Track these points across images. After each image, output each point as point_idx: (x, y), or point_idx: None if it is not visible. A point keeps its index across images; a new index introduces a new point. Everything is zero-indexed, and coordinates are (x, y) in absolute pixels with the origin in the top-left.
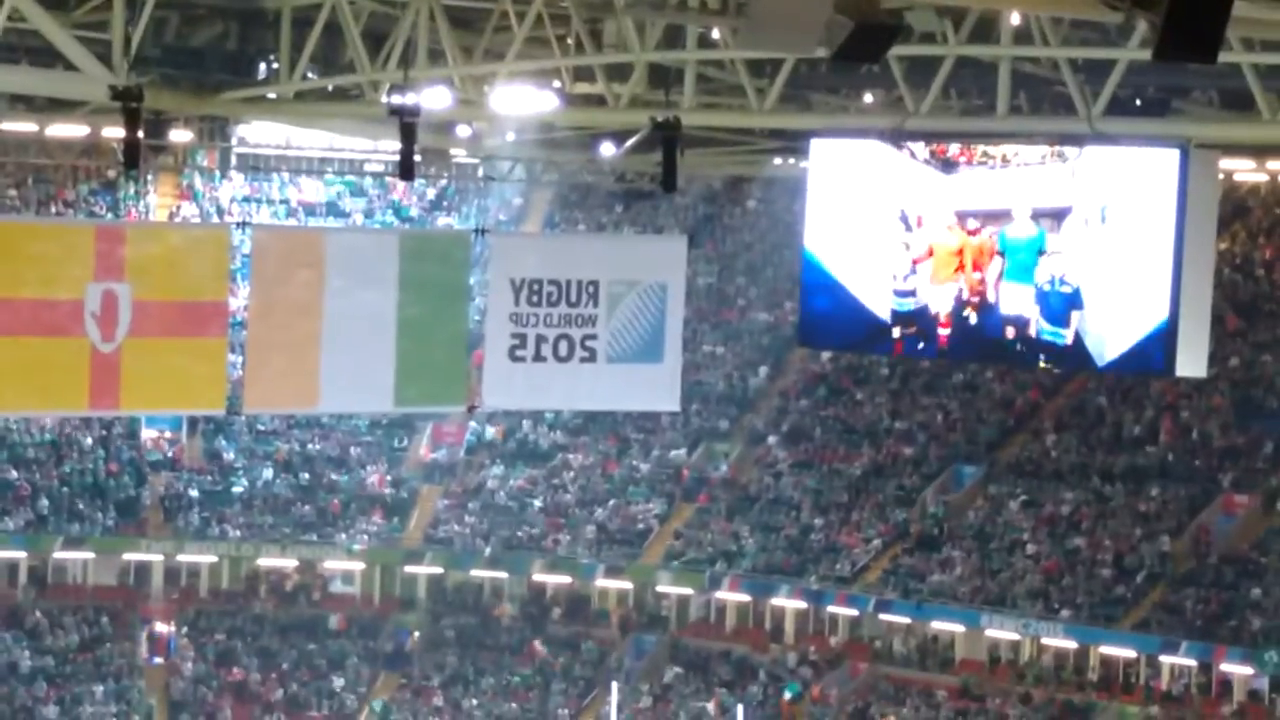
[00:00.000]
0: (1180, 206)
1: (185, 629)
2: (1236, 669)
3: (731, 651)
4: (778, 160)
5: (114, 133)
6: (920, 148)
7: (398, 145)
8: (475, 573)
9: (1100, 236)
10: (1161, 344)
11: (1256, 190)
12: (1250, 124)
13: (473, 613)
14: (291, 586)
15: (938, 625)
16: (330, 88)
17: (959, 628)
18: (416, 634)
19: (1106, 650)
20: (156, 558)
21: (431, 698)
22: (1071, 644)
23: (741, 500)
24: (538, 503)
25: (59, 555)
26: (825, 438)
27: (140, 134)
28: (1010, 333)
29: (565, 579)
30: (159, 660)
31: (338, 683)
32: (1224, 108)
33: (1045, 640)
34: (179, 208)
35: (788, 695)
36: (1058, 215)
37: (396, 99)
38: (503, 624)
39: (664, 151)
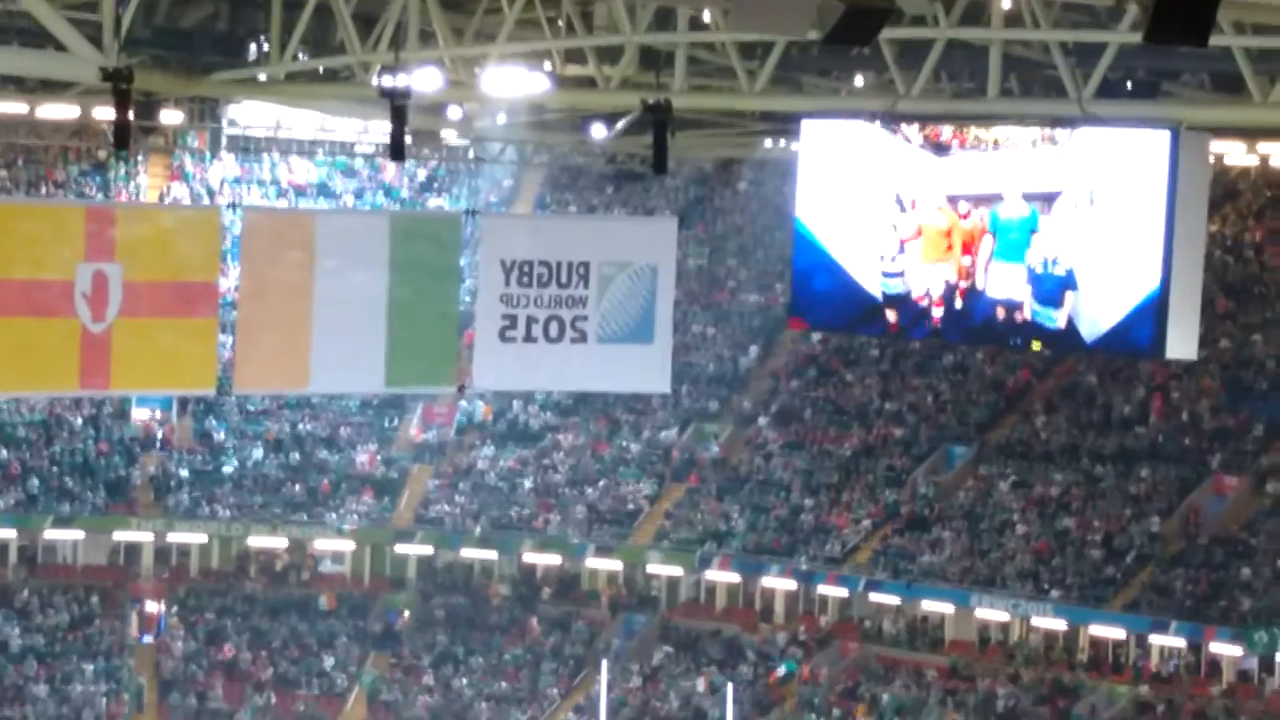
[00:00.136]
0: (1171, 189)
1: (175, 608)
2: (1226, 649)
3: (721, 631)
4: (768, 142)
5: (104, 114)
6: (914, 131)
7: (388, 127)
8: (465, 553)
9: (1091, 219)
10: (1147, 318)
11: (1247, 173)
12: (1241, 106)
13: (463, 592)
14: (281, 566)
15: (928, 605)
16: (321, 69)
17: (949, 608)
18: (407, 613)
19: (1096, 630)
20: (147, 537)
21: (421, 677)
22: (1061, 624)
23: (732, 481)
24: (528, 483)
25: (49, 535)
26: (815, 418)
27: (131, 115)
28: (1001, 314)
29: (555, 559)
30: (149, 639)
31: (328, 662)
32: (1215, 90)
33: (1035, 620)
34: (169, 189)
35: (782, 671)
36: (1048, 199)
37: (387, 80)
38: (493, 603)
39: (655, 133)
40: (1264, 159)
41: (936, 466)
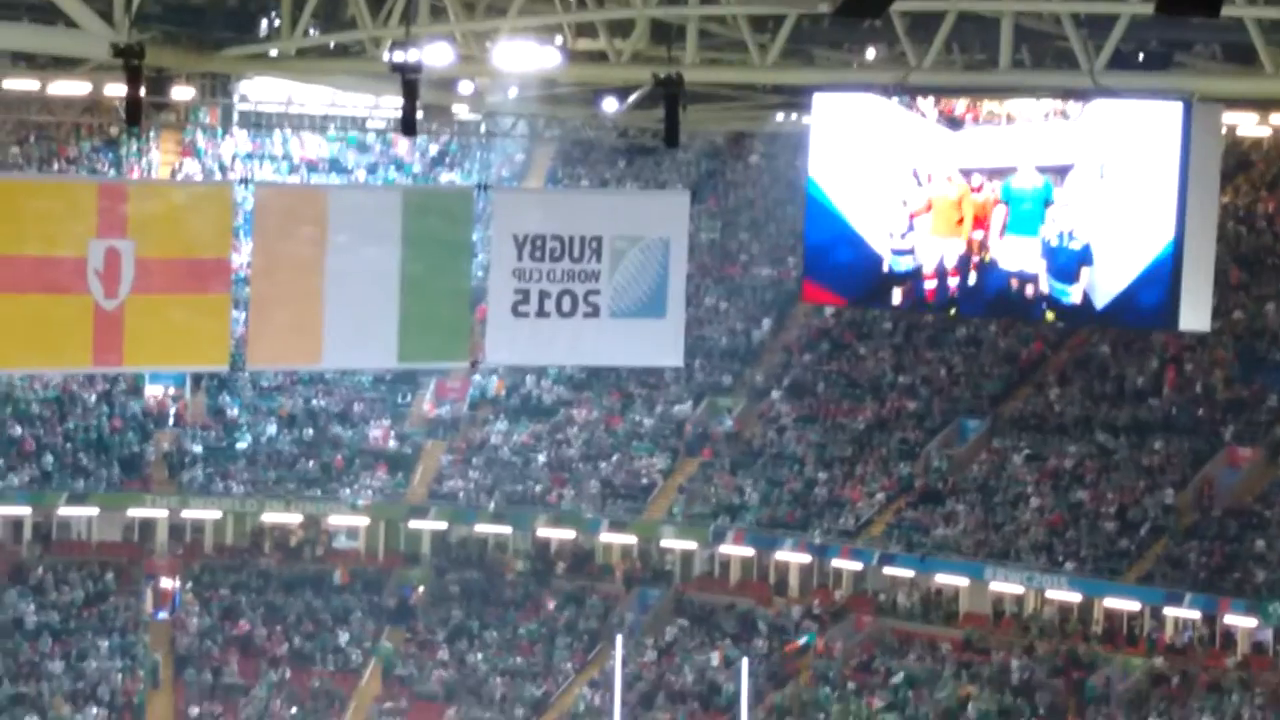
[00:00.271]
0: (1183, 160)
1: (190, 584)
2: (1240, 621)
3: (736, 605)
4: (780, 116)
5: (116, 90)
6: (929, 106)
7: (400, 101)
8: (479, 528)
9: (1104, 192)
10: (1157, 283)
11: (1260, 144)
12: (1253, 78)
13: (477, 568)
14: (296, 542)
15: (941, 578)
16: (332, 44)
17: (963, 581)
18: (421, 589)
19: (1110, 603)
20: (161, 513)
21: (436, 652)
22: (1075, 597)
23: (745, 455)
24: (541, 458)
25: (63, 511)
26: (829, 392)
27: (142, 91)
28: (1015, 285)
29: (569, 534)
30: (164, 615)
31: (342, 637)
32: (1227, 61)
33: (1049, 593)
34: (181, 165)
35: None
36: (1061, 171)
37: (398, 55)
38: (507, 578)
39: (666, 107)
40: (1276, 130)
41: (950, 439)
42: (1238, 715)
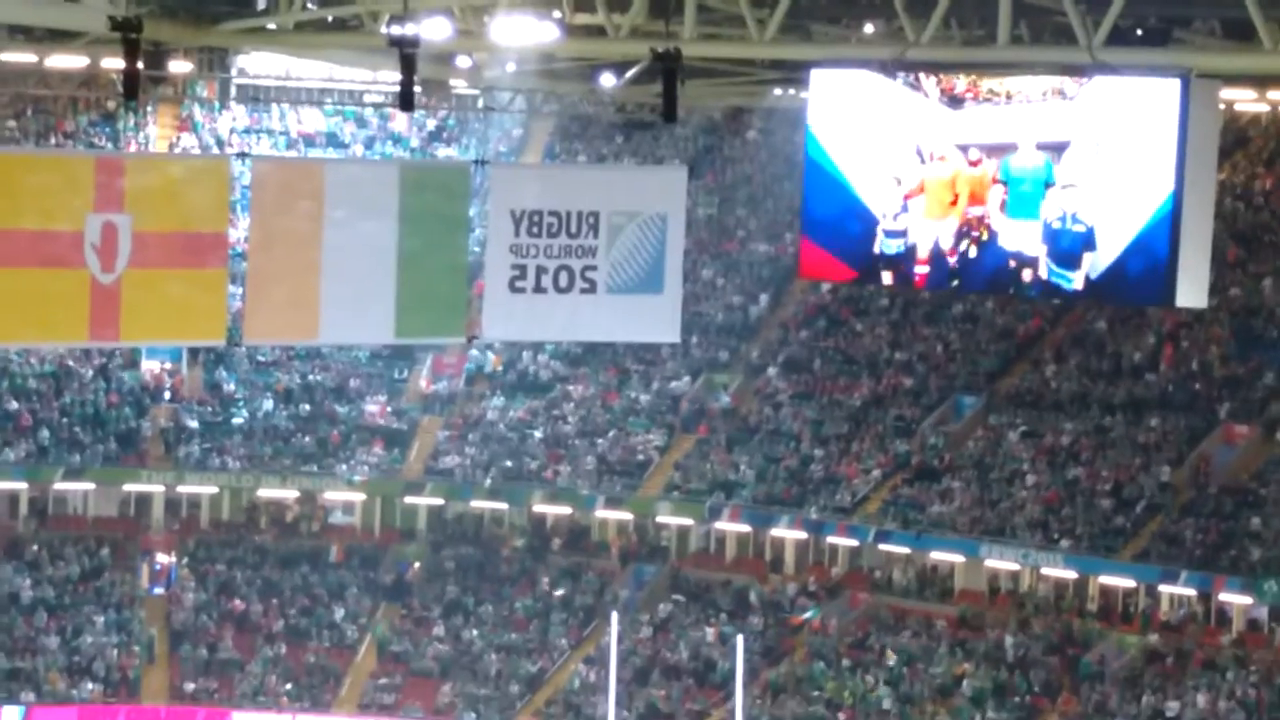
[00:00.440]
0: (1181, 136)
1: (186, 559)
2: (1235, 598)
3: (731, 582)
4: (778, 91)
5: (113, 64)
6: (932, 85)
7: (397, 76)
8: (475, 504)
9: (1101, 169)
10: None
11: (1258, 120)
12: (1252, 54)
13: (473, 544)
14: (292, 517)
15: (937, 555)
16: (329, 18)
17: (958, 558)
18: (417, 565)
19: (1106, 580)
20: (157, 489)
21: (432, 628)
22: (1071, 574)
23: (741, 431)
24: (538, 434)
25: (59, 486)
26: (825, 369)
27: (139, 65)
28: (1012, 265)
29: (565, 510)
30: (159, 590)
31: (338, 613)
32: (1225, 37)
33: (1045, 570)
34: (179, 139)
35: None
36: (1060, 149)
37: (396, 30)
38: (503, 555)
39: (664, 82)
40: (1274, 105)
41: (946, 416)
42: (1232, 692)
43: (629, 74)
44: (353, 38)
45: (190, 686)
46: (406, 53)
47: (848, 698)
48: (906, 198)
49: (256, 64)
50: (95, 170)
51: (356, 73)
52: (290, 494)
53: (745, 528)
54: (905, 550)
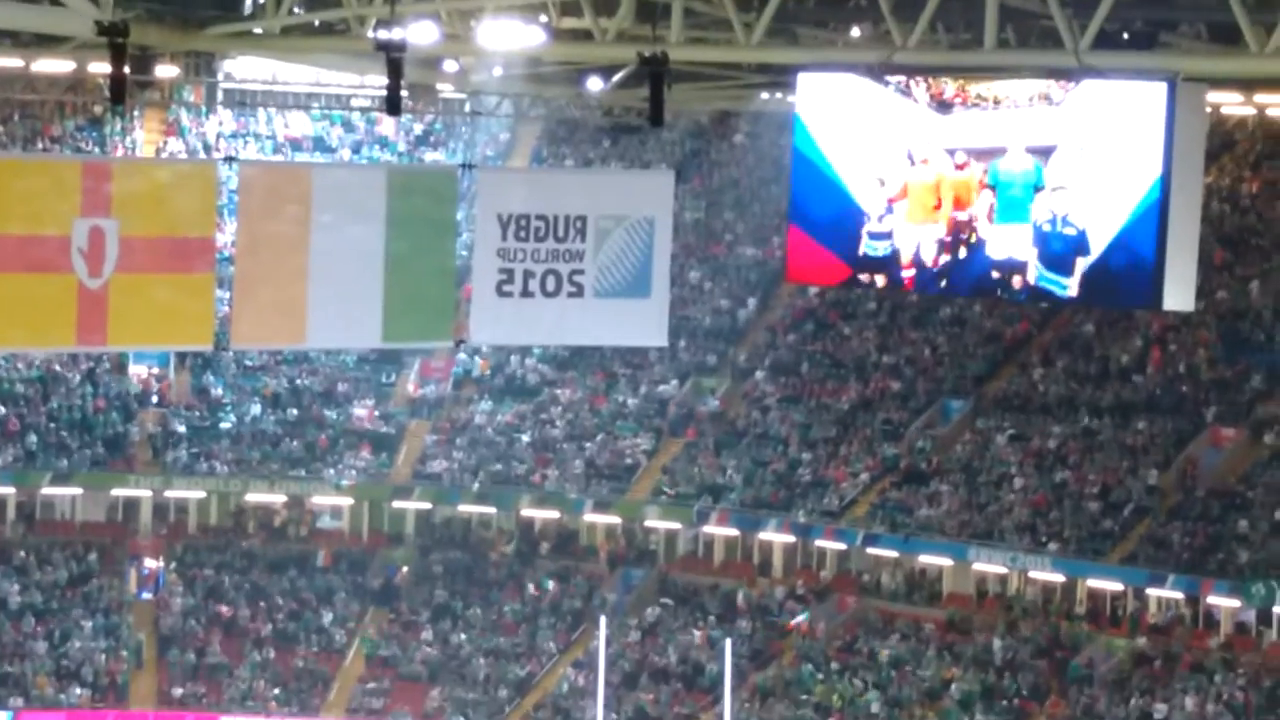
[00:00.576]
0: (1168, 139)
1: (174, 564)
2: (1223, 601)
3: (719, 586)
4: (765, 95)
5: (100, 68)
6: (921, 91)
7: (384, 80)
8: (463, 508)
9: (1088, 172)
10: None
11: (1244, 123)
12: (1238, 57)
13: (461, 548)
14: (280, 522)
15: (925, 559)
16: (316, 22)
17: (946, 561)
18: (405, 569)
19: (1094, 583)
20: (145, 493)
21: (420, 632)
22: (1059, 577)
23: (729, 435)
24: (525, 438)
25: (47, 491)
26: (813, 372)
27: (126, 69)
28: (996, 275)
29: (553, 514)
30: (148, 595)
31: (326, 617)
32: (1212, 41)
33: (1033, 573)
34: (165, 143)
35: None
36: (1047, 153)
37: (383, 34)
38: (491, 559)
39: (651, 86)
40: (1261, 109)
41: (934, 420)
42: (1220, 695)
43: (616, 78)
44: (339, 42)
45: (179, 691)
46: (393, 57)
47: (836, 701)
48: (890, 201)
49: (243, 68)
50: (82, 175)
51: (343, 77)
52: (278, 498)
53: (733, 531)
54: (893, 554)
